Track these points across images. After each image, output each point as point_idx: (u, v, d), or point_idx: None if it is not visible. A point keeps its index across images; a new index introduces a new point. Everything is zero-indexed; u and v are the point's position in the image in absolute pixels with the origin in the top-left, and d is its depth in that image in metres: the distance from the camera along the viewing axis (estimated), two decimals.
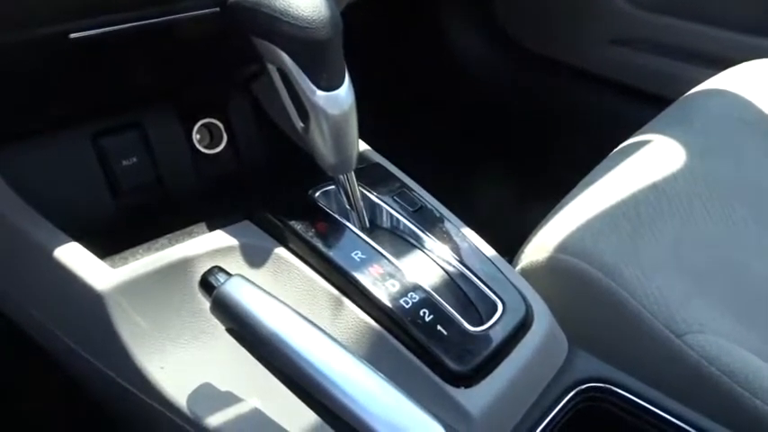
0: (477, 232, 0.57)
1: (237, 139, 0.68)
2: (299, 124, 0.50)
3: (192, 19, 0.55)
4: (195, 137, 0.69)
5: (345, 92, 0.48)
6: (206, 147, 0.69)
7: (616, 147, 0.77)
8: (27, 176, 0.57)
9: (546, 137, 1.24)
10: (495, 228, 0.68)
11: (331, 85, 0.48)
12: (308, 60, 0.46)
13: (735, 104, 0.79)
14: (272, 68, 0.49)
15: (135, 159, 0.64)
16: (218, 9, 0.56)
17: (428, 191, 0.60)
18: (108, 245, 0.54)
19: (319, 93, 0.47)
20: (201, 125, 0.69)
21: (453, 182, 0.99)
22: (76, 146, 0.62)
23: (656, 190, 0.65)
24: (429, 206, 0.56)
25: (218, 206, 0.60)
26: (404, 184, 0.57)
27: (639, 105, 1.13)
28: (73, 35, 0.51)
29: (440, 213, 0.56)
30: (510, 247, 0.74)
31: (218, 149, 0.69)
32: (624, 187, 0.65)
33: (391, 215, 0.54)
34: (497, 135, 1.27)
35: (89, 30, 0.51)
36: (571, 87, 1.23)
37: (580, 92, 1.22)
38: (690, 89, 0.85)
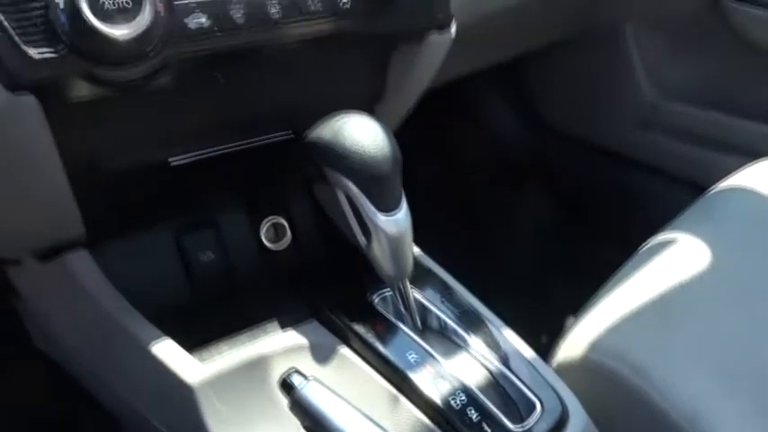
0: (514, 325, 0.64)
1: (300, 237, 0.76)
2: (362, 240, 0.58)
3: (271, 143, 0.65)
4: (263, 234, 0.77)
5: (402, 214, 0.56)
6: (272, 242, 0.78)
7: (649, 230, 0.82)
8: (120, 268, 0.66)
9: (581, 220, 1.30)
10: (531, 319, 0.74)
11: (390, 209, 0.56)
12: (371, 189, 0.55)
13: (761, 201, 0.84)
14: (339, 193, 0.57)
15: (211, 254, 0.73)
16: (292, 134, 0.65)
17: (468, 282, 0.67)
18: (187, 333, 0.62)
19: (380, 215, 0.55)
20: (268, 223, 0.77)
21: (491, 270, 1.06)
22: (162, 242, 0.71)
23: (683, 288, 0.71)
24: (473, 309, 0.62)
25: (284, 299, 0.68)
26: (451, 289, 0.64)
27: (671, 189, 1.19)
28: (173, 161, 0.60)
29: (483, 315, 0.62)
30: (547, 332, 0.80)
31: (283, 246, 0.77)
32: (653, 286, 0.71)
33: (440, 318, 0.61)
34: (532, 220, 1.34)
35: (185, 156, 0.61)
36: (604, 170, 1.30)
37: (613, 174, 1.29)
38: (720, 176, 0.90)
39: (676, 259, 0.75)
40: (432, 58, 0.66)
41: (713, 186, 0.89)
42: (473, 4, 0.71)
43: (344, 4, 0.55)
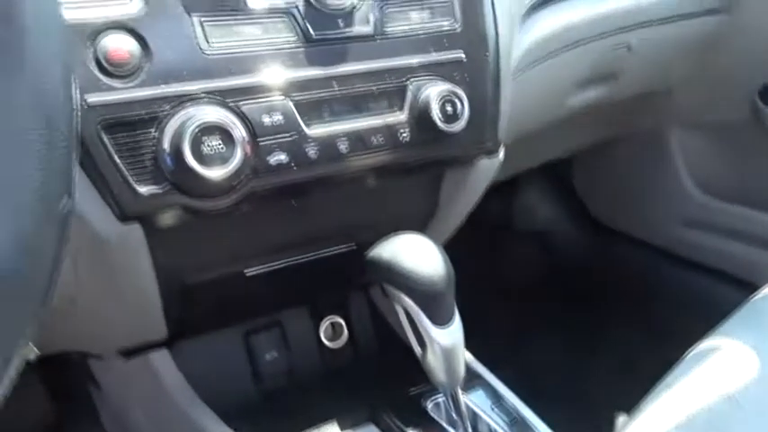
0: (561, 429, 0.67)
1: (356, 336, 0.82)
2: (418, 350, 0.63)
3: (334, 254, 0.71)
4: (322, 332, 0.83)
5: (455, 326, 0.61)
6: (330, 341, 0.83)
7: (696, 328, 0.84)
8: (194, 366, 0.73)
9: (626, 317, 1.31)
10: (578, 419, 0.76)
11: (444, 322, 0.61)
12: (427, 305, 0.60)
13: None
14: (397, 306, 0.63)
15: (275, 353, 0.79)
16: (353, 246, 0.72)
17: (515, 381, 0.70)
18: (252, 428, 0.67)
19: (435, 329, 0.61)
20: (327, 322, 0.84)
21: (537, 368, 1.08)
22: (231, 342, 0.78)
23: (728, 399, 0.72)
24: (522, 416, 0.66)
25: (342, 399, 0.73)
26: (501, 395, 0.68)
27: (719, 287, 1.20)
28: (248, 272, 0.68)
29: (531, 423, 0.66)
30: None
31: (340, 344, 0.83)
32: (697, 396, 0.73)
33: (490, 426, 0.65)
34: (578, 314, 1.36)
35: (259, 267, 0.68)
36: (650, 266, 1.32)
37: (659, 271, 1.31)
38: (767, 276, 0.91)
39: (721, 367, 0.77)
40: (481, 179, 0.73)
41: (762, 288, 0.90)
42: (518, 124, 0.77)
43: (404, 137, 0.62)
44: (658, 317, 1.28)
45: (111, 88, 0.51)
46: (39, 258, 0.32)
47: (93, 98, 0.51)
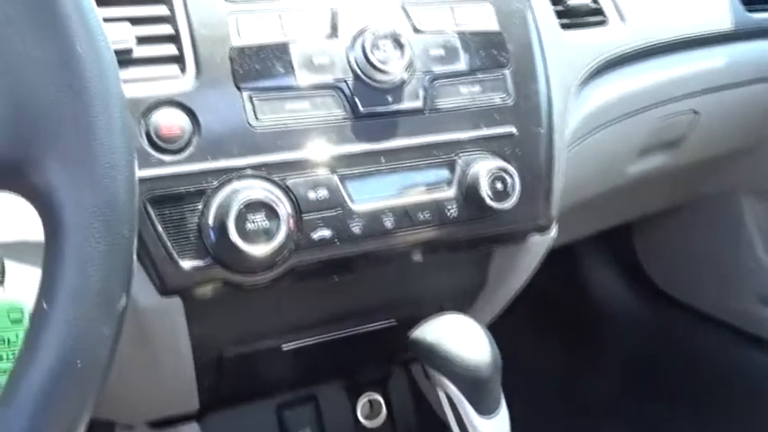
0: None
1: (396, 415, 0.85)
2: None
3: (374, 330, 0.75)
4: (359, 409, 0.86)
5: (501, 416, 0.64)
6: (367, 419, 0.86)
7: None
8: None
9: (693, 403, 1.29)
10: None
11: (490, 411, 0.63)
12: (472, 393, 0.63)
13: None
14: (440, 391, 0.66)
15: (308, 430, 0.82)
16: (394, 322, 0.75)
17: None
18: None
19: (480, 418, 0.63)
20: (365, 399, 0.86)
21: None
22: (264, 416, 0.81)
23: None
24: None
25: None
26: None
27: None
28: (285, 347, 0.71)
29: None
30: None
31: (378, 423, 0.85)
32: None
33: None
34: (639, 401, 1.35)
35: (297, 342, 0.72)
36: (720, 345, 1.31)
37: (730, 351, 1.29)
38: None
39: None
40: (532, 256, 0.76)
41: None
42: (573, 195, 0.80)
43: (451, 214, 0.66)
44: (730, 404, 1.27)
45: (160, 163, 0.57)
46: (94, 357, 0.36)
47: (142, 173, 0.56)
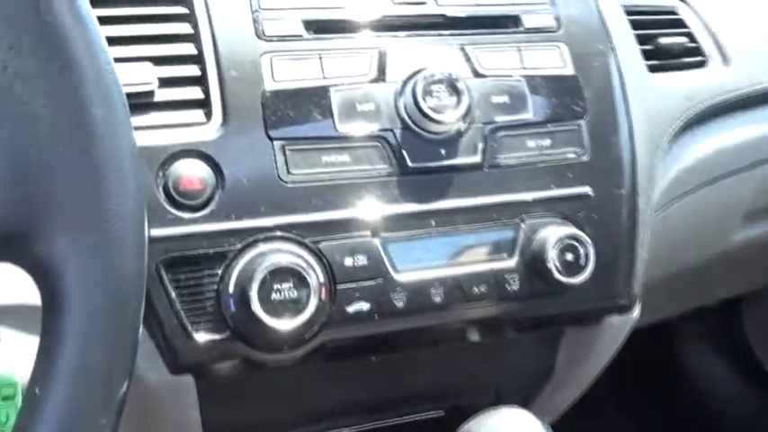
0: None
1: None
2: None
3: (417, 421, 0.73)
4: None
5: None
6: None
7: None
8: None
9: None
10: None
11: None
12: None
13: None
14: None
15: None
16: (443, 413, 0.73)
17: None
18: None
19: None
20: None
21: None
22: None
23: None
24: None
25: None
26: None
27: None
28: None
29: None
30: None
31: None
32: None
33: None
34: None
35: None
36: None
37: None
38: None
39: None
40: (609, 341, 0.73)
41: None
42: (662, 268, 0.78)
43: (512, 288, 0.64)
44: None
45: (177, 220, 0.57)
46: None
47: (157, 231, 0.57)
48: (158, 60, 0.60)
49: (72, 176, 0.38)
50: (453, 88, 0.63)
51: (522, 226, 0.65)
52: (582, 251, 0.64)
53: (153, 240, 0.57)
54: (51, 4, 0.38)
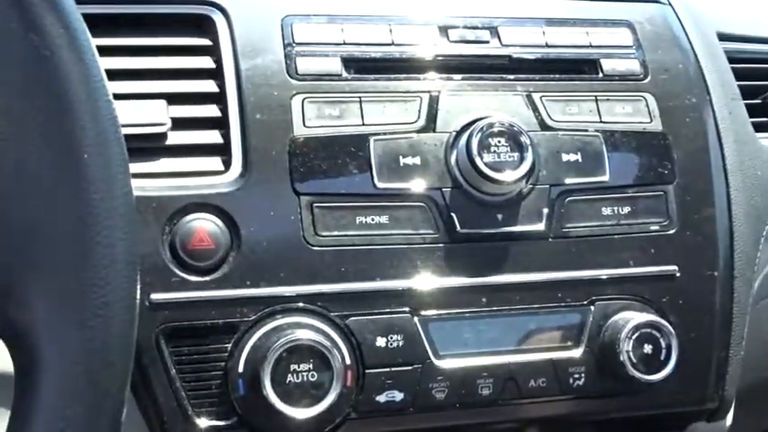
0: None
1: None
2: None
3: None
4: None
5: None
6: None
7: None
8: None
9: None
10: None
11: None
12: None
13: None
14: None
15: None
16: None
17: None
18: None
19: None
20: None
21: None
22: None
23: None
24: None
25: None
26: None
27: None
28: None
29: None
30: None
31: None
32: None
33: None
34: None
35: None
36: None
37: None
38: None
39: None
40: None
41: None
42: (763, 363, 0.74)
43: (577, 383, 0.61)
44: None
45: (183, 284, 0.56)
46: None
47: (159, 296, 0.55)
48: (174, 98, 0.60)
49: (55, 234, 0.37)
50: (516, 142, 0.61)
51: (592, 309, 0.63)
52: (663, 343, 0.61)
53: (154, 306, 0.56)
54: (50, 37, 0.38)
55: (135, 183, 0.40)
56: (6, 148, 0.37)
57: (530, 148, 0.61)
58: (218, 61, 0.61)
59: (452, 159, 0.61)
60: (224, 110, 0.60)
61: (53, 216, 0.37)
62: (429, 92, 0.63)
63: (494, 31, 0.67)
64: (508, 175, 0.61)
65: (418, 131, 0.62)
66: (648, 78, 0.67)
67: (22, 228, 0.37)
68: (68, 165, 0.38)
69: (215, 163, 0.59)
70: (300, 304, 0.58)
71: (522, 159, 0.61)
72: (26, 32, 0.37)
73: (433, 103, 0.63)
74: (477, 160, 0.60)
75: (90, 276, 0.38)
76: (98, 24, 0.43)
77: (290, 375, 0.55)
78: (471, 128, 0.61)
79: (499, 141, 0.61)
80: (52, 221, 0.37)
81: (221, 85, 0.61)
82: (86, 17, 0.39)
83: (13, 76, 0.37)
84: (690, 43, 0.71)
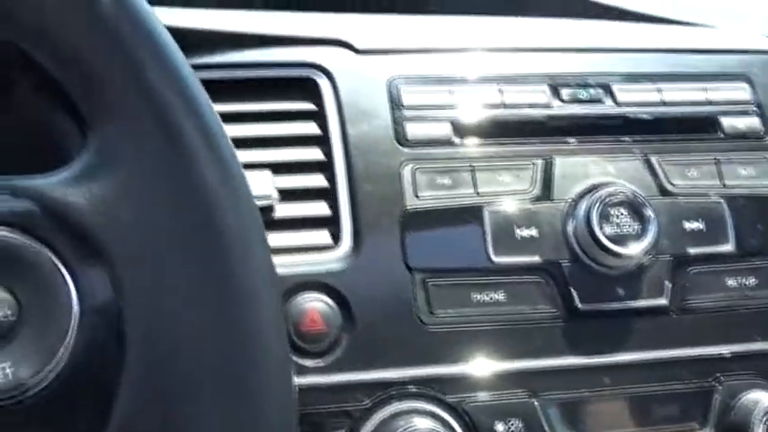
0: None
1: None
2: None
3: None
4: None
5: None
6: None
7: None
8: None
9: None
10: None
11: None
12: None
13: None
14: None
15: None
16: None
17: None
18: None
19: None
20: None
21: None
22: None
23: None
24: None
25: None
26: None
27: None
28: None
29: None
30: None
31: None
32: None
33: None
34: None
35: None
36: None
37: None
38: None
39: None
40: None
41: None
42: None
43: None
44: None
45: (297, 370, 0.55)
46: None
47: None
48: (278, 167, 0.59)
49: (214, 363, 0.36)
50: (637, 212, 0.59)
51: (719, 388, 0.61)
52: None
53: None
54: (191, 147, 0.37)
55: None
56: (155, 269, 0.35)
57: (652, 219, 0.58)
58: (324, 127, 0.60)
59: (570, 230, 0.60)
60: (331, 179, 0.59)
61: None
62: (543, 156, 0.62)
63: (607, 89, 0.64)
64: (631, 249, 0.59)
65: (533, 201, 0.60)
66: None
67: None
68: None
69: (323, 236, 0.58)
70: (413, 388, 0.56)
71: (644, 231, 0.59)
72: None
73: (548, 169, 0.61)
74: (598, 232, 0.58)
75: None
76: None
77: None
78: (590, 197, 0.60)
79: (620, 212, 0.59)
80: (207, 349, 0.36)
81: (328, 153, 0.59)
82: None
83: (158, 187, 0.36)
84: None
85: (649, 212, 0.59)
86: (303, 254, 0.57)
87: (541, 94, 0.64)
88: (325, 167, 0.59)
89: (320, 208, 0.59)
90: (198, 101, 0.38)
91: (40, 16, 0.36)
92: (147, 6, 0.38)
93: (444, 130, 0.61)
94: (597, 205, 0.59)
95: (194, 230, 0.36)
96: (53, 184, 0.36)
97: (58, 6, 0.36)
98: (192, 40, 0.59)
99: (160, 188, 0.36)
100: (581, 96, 0.64)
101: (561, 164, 0.62)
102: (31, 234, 0.35)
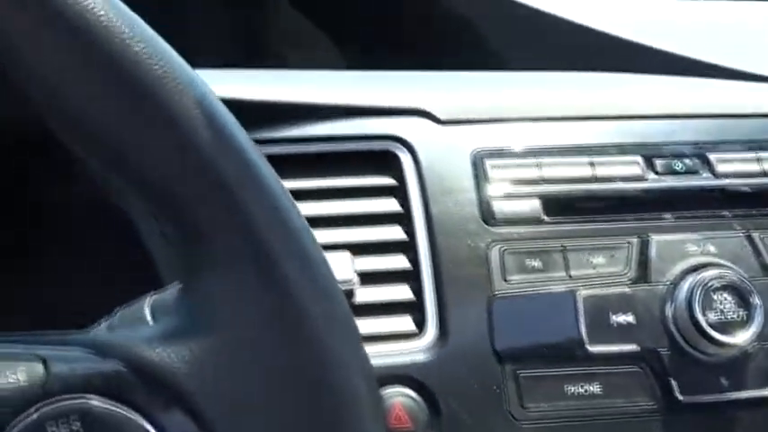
0: None
1: None
2: None
3: None
4: None
5: None
6: None
7: None
8: None
9: None
10: None
11: None
12: None
13: None
14: None
15: None
16: None
17: None
18: None
19: None
20: None
21: None
22: None
23: None
24: None
25: None
26: None
27: None
28: None
29: None
30: None
31: None
32: None
33: None
34: None
35: None
36: None
37: None
38: None
39: None
40: None
41: None
42: None
43: None
44: None
45: None
46: None
47: None
48: (356, 248, 0.56)
49: None
50: (743, 298, 0.56)
51: None
52: None
53: None
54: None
55: None
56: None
57: (759, 306, 0.55)
58: (406, 204, 0.56)
59: (669, 315, 0.56)
60: (414, 261, 0.55)
61: None
62: (638, 234, 0.59)
63: (704, 159, 0.61)
64: (737, 338, 0.56)
65: (630, 283, 0.56)
66: None
67: None
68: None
69: (406, 323, 0.56)
70: None
71: (749, 318, 0.56)
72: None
73: (644, 249, 0.58)
74: (701, 319, 0.55)
75: None
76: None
77: None
78: (691, 280, 0.57)
79: (723, 296, 0.56)
80: None
81: (410, 232, 0.56)
82: None
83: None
84: None
85: (756, 299, 0.56)
86: (385, 342, 0.54)
87: (635, 165, 0.60)
88: (408, 248, 0.56)
89: (403, 292, 0.56)
90: (304, 245, 0.35)
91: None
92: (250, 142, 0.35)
93: (533, 207, 0.58)
94: (699, 290, 0.56)
95: (305, 393, 0.34)
96: (143, 339, 0.33)
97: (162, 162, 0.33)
98: (266, 114, 0.56)
99: (265, 350, 0.33)
100: (676, 168, 0.61)
101: (658, 242, 0.58)
102: (123, 401, 0.32)
